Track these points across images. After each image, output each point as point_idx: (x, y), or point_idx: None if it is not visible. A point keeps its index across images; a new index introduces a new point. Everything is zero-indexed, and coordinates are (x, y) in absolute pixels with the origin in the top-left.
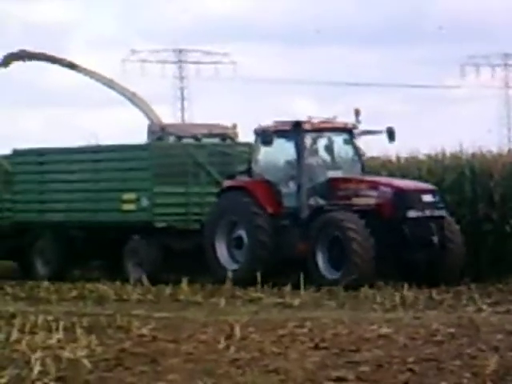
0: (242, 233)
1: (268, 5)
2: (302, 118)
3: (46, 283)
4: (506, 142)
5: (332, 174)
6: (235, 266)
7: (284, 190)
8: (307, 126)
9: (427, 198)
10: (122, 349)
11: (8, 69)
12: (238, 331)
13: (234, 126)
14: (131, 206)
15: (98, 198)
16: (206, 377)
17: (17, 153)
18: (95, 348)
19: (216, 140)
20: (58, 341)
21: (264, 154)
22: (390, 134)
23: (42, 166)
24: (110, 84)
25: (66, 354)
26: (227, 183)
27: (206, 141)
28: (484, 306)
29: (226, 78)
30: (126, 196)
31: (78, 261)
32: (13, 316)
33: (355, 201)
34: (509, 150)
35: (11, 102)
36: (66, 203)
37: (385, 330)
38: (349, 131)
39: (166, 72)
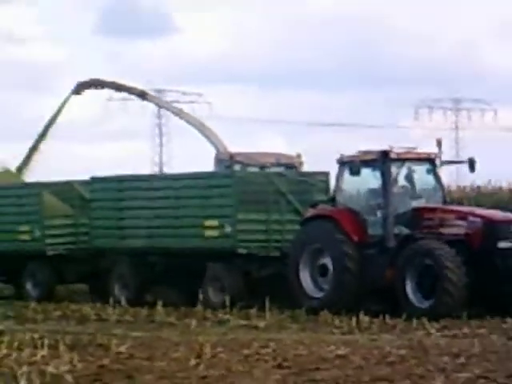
0: (327, 260)
1: (240, 49)
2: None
3: (33, 304)
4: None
5: (415, 203)
6: (320, 294)
7: (369, 218)
8: (393, 156)
9: None
10: (102, 365)
11: (79, 96)
12: (207, 350)
13: (299, 156)
14: (214, 233)
15: (179, 224)
16: None
17: (95, 180)
18: (77, 364)
19: (282, 169)
20: (43, 357)
21: (348, 182)
22: (471, 164)
23: (120, 193)
24: (179, 114)
25: (50, 369)
26: (311, 212)
27: (273, 170)
28: (433, 331)
29: (201, 117)
30: (208, 223)
31: (156, 286)
32: (1, 333)
33: (442, 230)
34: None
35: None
36: (145, 229)
37: (342, 351)
38: (432, 161)
39: (146, 110)
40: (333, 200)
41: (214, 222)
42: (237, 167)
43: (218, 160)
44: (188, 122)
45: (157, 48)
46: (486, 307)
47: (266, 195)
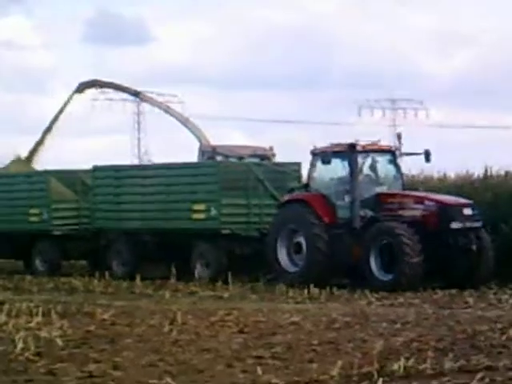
0: (301, 239)
1: (208, 55)
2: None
3: (28, 277)
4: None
5: (378, 189)
6: (295, 269)
7: (338, 202)
8: (359, 148)
9: (467, 211)
10: (88, 330)
11: (82, 95)
12: (179, 318)
13: (271, 148)
14: (201, 215)
15: (170, 208)
16: (153, 354)
17: (97, 168)
18: (66, 329)
19: (257, 160)
20: (37, 323)
21: (320, 171)
22: (427, 156)
23: (118, 180)
24: (166, 110)
25: (44, 334)
26: (288, 196)
27: (249, 160)
28: (373, 300)
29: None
30: (196, 206)
31: (149, 262)
32: (2, 303)
33: (402, 213)
34: None
35: None
36: (140, 212)
37: (295, 318)
38: (392, 152)
39: (127, 109)
40: (306, 186)
41: (201, 206)
42: (218, 158)
43: (202, 151)
44: (175, 117)
45: (136, 54)
46: (440, 280)
47: (247, 182)
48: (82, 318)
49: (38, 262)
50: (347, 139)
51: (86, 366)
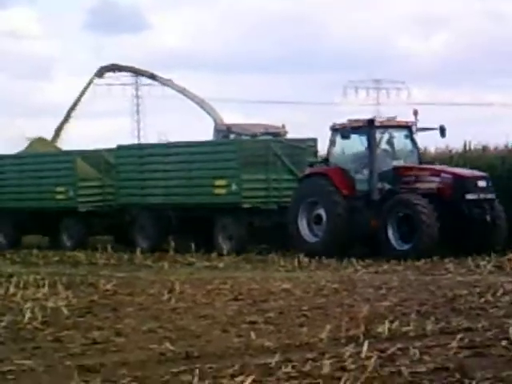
0: (321, 211)
1: (201, 41)
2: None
3: (35, 251)
4: None
5: (395, 163)
6: (315, 240)
7: (357, 176)
8: (377, 123)
9: (481, 183)
10: (92, 300)
11: (102, 79)
12: (177, 287)
13: (283, 126)
14: (222, 191)
15: (193, 184)
16: (153, 321)
17: (121, 147)
18: (71, 299)
19: (270, 137)
20: (44, 294)
21: (339, 146)
22: (442, 131)
23: (141, 159)
24: (183, 92)
25: (50, 304)
26: (309, 170)
27: (262, 137)
28: (359, 267)
29: (172, 97)
30: (218, 182)
31: (173, 235)
32: (10, 275)
33: (418, 185)
34: None
35: None
36: (163, 188)
37: (286, 286)
38: (409, 128)
39: (126, 92)
40: (326, 161)
41: (222, 182)
42: (232, 136)
43: (217, 130)
44: (190, 98)
45: (134, 41)
46: (455, 248)
47: (266, 158)
48: (86, 288)
49: (64, 238)
50: (335, 118)
51: (90, 333)
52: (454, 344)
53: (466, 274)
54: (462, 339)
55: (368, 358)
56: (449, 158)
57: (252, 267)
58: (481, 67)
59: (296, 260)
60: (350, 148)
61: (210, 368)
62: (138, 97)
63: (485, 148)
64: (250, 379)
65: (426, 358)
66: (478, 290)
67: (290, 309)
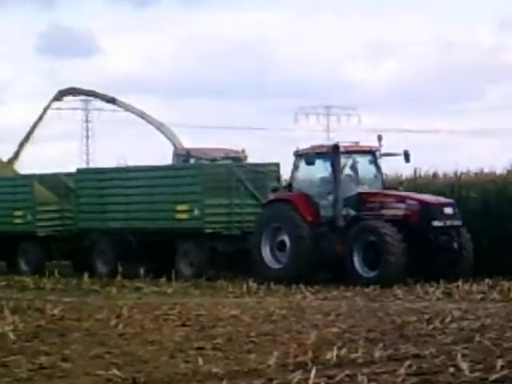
0: (285, 237)
1: (151, 65)
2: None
3: None
4: None
5: (360, 189)
6: (279, 266)
7: (321, 202)
8: (342, 149)
9: (448, 210)
10: (39, 325)
11: (61, 102)
12: (125, 312)
13: (243, 151)
14: (184, 215)
15: (154, 208)
16: (100, 347)
17: (80, 171)
18: (18, 324)
19: (230, 161)
20: None
21: (302, 172)
22: (406, 156)
23: (101, 182)
24: (142, 115)
25: None
26: (272, 196)
27: (222, 162)
28: (308, 294)
29: (121, 122)
30: (180, 207)
31: (133, 261)
32: None
33: (384, 212)
34: None
35: None
36: (123, 213)
37: (234, 312)
38: (373, 153)
39: (76, 117)
40: (290, 186)
41: (185, 207)
42: (192, 161)
43: (176, 155)
44: (150, 122)
45: (86, 65)
46: (422, 275)
47: (228, 183)
48: (33, 313)
49: (22, 263)
50: (288, 144)
51: (36, 358)
52: (402, 371)
53: (414, 300)
54: (409, 366)
55: None
56: (398, 184)
57: (200, 293)
58: (428, 94)
59: (245, 286)
60: (313, 173)
61: None
62: (87, 121)
63: (435, 175)
64: None
65: None
66: (426, 316)
67: (238, 335)
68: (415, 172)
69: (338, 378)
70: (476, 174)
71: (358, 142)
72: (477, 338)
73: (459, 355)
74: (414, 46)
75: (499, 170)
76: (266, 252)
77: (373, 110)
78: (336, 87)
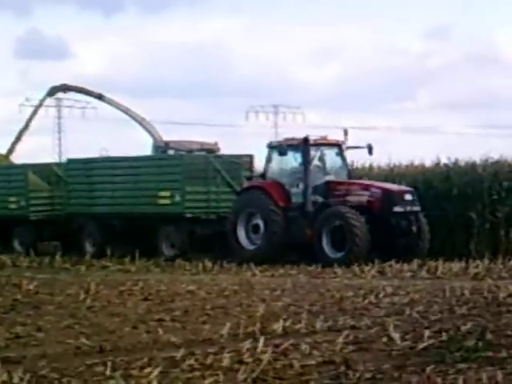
0: (259, 221)
1: (118, 67)
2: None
3: None
4: None
5: (327, 178)
6: (252, 247)
7: (292, 189)
8: (311, 142)
9: (408, 197)
10: (15, 299)
11: (53, 98)
12: (93, 288)
13: (216, 143)
14: (166, 201)
15: (138, 195)
16: (71, 318)
17: (70, 161)
18: None
19: (204, 153)
20: None
21: (275, 162)
22: (370, 149)
23: (90, 171)
24: (125, 111)
25: None
26: (247, 184)
27: (198, 153)
28: (257, 272)
29: (90, 119)
30: (162, 193)
31: (118, 243)
32: None
33: (349, 198)
34: None
35: None
36: (110, 198)
37: (191, 288)
38: (339, 146)
39: (49, 113)
40: (263, 175)
41: (167, 193)
42: (170, 152)
43: (156, 146)
44: (132, 117)
45: (58, 67)
46: (383, 256)
47: (207, 172)
48: (10, 288)
49: (16, 244)
50: (240, 139)
51: (13, 328)
52: (340, 340)
53: (352, 278)
54: (347, 336)
55: (263, 352)
56: None
57: (161, 271)
58: (367, 95)
59: (200, 264)
60: (285, 164)
61: (122, 360)
62: (59, 117)
63: (371, 167)
64: (157, 371)
65: (316, 352)
66: (362, 292)
67: (195, 308)
68: (352, 165)
69: (283, 347)
70: (407, 166)
71: (325, 136)
72: (407, 312)
73: (391, 326)
74: (354, 52)
75: (428, 162)
76: (241, 235)
77: (317, 108)
78: (283, 88)
